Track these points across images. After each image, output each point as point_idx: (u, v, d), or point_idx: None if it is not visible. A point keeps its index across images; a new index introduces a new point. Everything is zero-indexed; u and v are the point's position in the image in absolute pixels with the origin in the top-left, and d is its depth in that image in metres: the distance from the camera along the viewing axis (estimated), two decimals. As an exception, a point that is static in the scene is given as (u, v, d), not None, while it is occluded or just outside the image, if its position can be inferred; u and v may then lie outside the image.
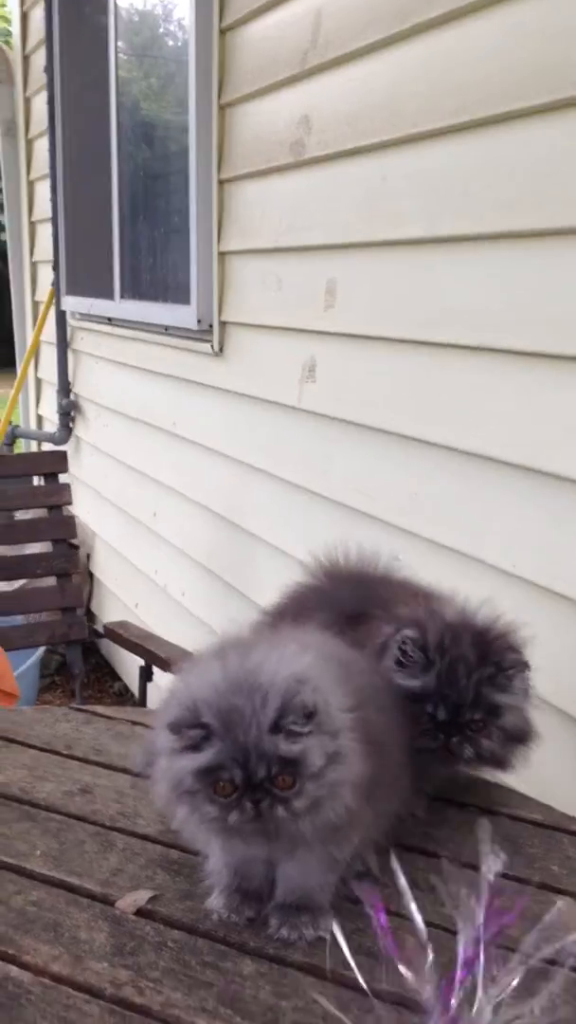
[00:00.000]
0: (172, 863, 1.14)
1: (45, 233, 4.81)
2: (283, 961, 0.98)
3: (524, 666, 1.16)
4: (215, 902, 1.04)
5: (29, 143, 5.18)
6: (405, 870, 0.83)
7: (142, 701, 2.40)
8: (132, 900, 1.07)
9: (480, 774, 1.28)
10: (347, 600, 1.32)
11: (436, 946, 0.79)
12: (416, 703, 1.14)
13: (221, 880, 1.05)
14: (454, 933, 0.79)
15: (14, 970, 0.97)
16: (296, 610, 1.35)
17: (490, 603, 1.24)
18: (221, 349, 2.91)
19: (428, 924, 0.81)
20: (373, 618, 1.25)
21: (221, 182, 2.82)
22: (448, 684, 1.13)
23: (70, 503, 2.68)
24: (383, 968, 0.79)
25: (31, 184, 5.21)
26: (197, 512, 3.21)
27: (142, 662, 2.35)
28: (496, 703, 1.14)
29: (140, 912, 1.06)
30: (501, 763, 1.19)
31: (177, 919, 1.04)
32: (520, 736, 1.17)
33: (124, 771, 1.37)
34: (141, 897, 1.07)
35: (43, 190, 4.77)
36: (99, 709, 1.59)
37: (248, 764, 0.91)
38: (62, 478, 2.78)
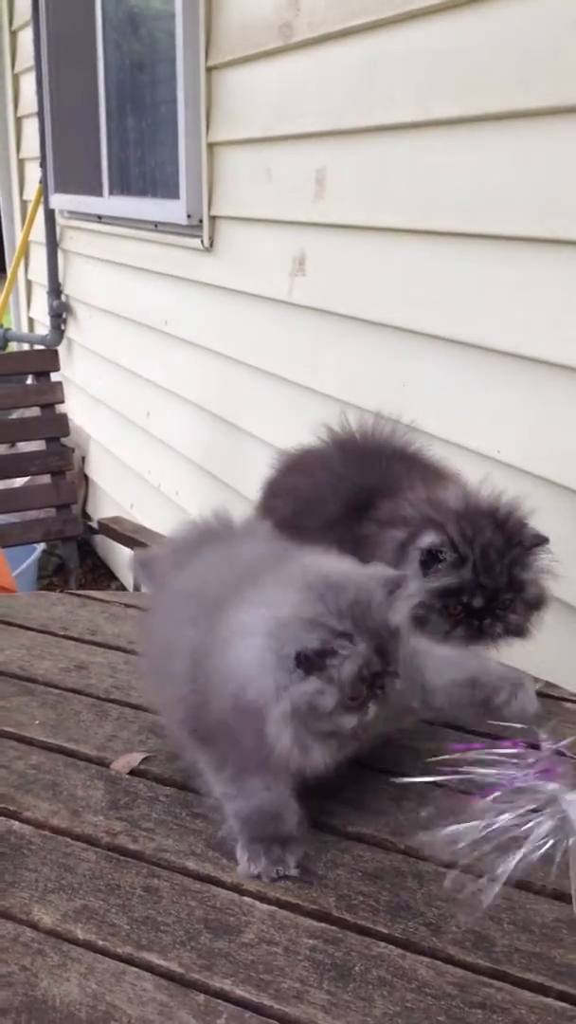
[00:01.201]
0: (163, 729, 1.19)
1: (32, 129, 4.70)
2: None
3: (544, 540, 1.19)
4: (253, 867, 0.94)
5: (13, 35, 5.02)
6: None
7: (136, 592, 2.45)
8: (126, 761, 1.12)
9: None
10: (358, 488, 1.29)
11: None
12: (452, 596, 1.16)
13: (246, 832, 0.96)
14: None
15: (16, 824, 1.02)
16: (306, 496, 1.33)
17: (488, 482, 1.25)
18: (211, 244, 2.88)
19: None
20: (378, 517, 1.24)
21: (209, 69, 2.75)
22: (485, 573, 1.15)
23: (62, 401, 2.69)
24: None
25: (16, 78, 5.07)
26: (190, 411, 3.22)
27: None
28: (523, 580, 1.17)
29: (134, 772, 1.11)
30: (522, 633, 1.22)
31: (168, 777, 1.10)
32: (539, 604, 1.21)
33: (118, 649, 1.42)
34: (135, 758, 1.13)
35: (28, 84, 4.65)
36: (93, 593, 1.64)
37: (383, 648, 0.92)
38: (53, 377, 2.78)
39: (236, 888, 0.93)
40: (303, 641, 0.89)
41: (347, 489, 1.29)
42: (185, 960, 0.84)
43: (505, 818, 0.93)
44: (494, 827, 0.93)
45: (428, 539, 1.16)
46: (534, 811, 0.95)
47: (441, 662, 1.10)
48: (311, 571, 0.95)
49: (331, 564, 0.99)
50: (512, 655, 1.33)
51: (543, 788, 0.97)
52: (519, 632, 1.22)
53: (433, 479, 1.31)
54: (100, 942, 0.86)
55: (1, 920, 0.89)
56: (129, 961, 0.84)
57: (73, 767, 1.13)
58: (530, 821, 0.93)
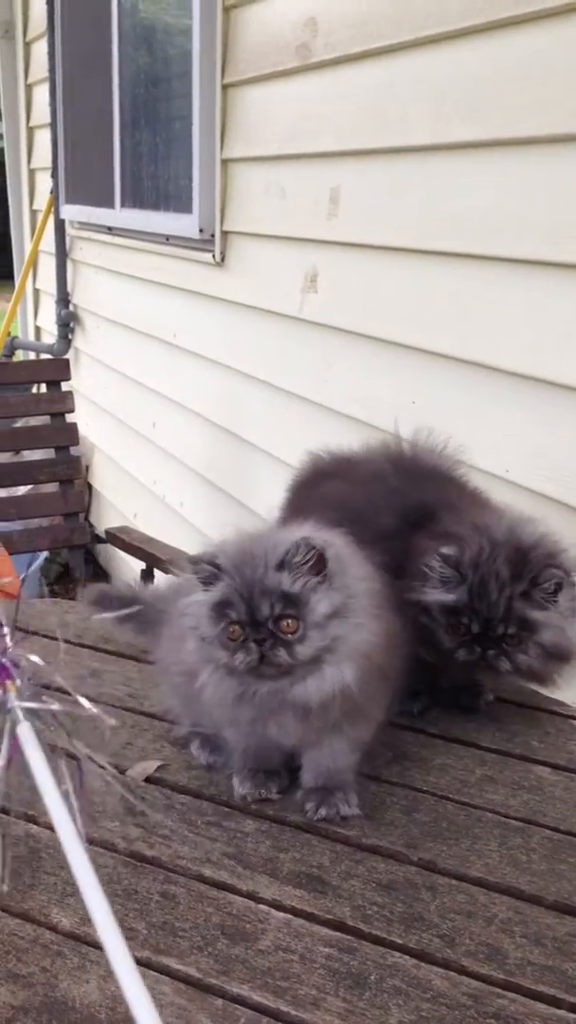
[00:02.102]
0: (178, 738, 1.21)
1: (44, 139, 4.73)
2: (282, 821, 1.05)
3: (561, 583, 1.14)
4: (241, 788, 1.08)
5: (27, 46, 5.06)
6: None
7: (143, 604, 2.46)
8: (142, 769, 1.14)
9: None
10: (414, 503, 1.27)
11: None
12: (453, 615, 1.16)
13: (240, 764, 1.10)
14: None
15: (34, 828, 1.04)
16: (359, 508, 1.30)
17: (540, 520, 1.23)
18: (223, 259, 2.91)
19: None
20: (434, 530, 1.23)
21: (225, 87, 2.78)
22: (479, 598, 1.14)
23: (72, 410, 2.71)
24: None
25: (29, 88, 5.11)
26: (196, 422, 3.24)
27: (141, 568, 2.41)
28: (530, 618, 1.14)
29: (149, 779, 1.13)
30: (540, 678, 1.19)
31: (183, 785, 1.11)
32: (559, 653, 1.16)
33: (131, 658, 1.43)
34: (150, 766, 1.14)
35: (42, 94, 4.69)
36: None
37: (252, 599, 0.96)
38: (63, 386, 2.80)
39: (252, 896, 0.94)
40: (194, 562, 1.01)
41: (402, 504, 1.28)
42: (203, 965, 0.85)
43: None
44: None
45: (441, 550, 1.17)
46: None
47: None
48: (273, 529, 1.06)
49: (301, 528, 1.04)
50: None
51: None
52: (534, 677, 1.19)
53: (482, 504, 1.31)
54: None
55: (21, 922, 0.90)
56: (147, 965, 0.86)
57: (89, 773, 1.14)
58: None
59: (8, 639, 0.72)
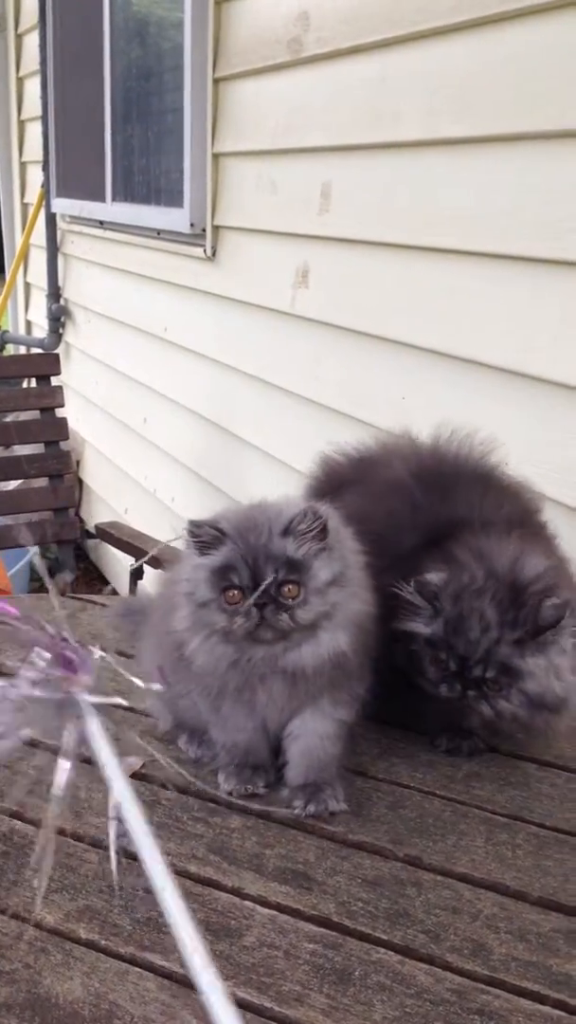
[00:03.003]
0: (165, 734, 1.21)
1: (35, 132, 4.71)
2: (268, 817, 1.05)
3: (554, 633, 1.04)
4: (227, 784, 1.08)
5: (19, 38, 5.04)
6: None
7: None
8: (127, 764, 1.13)
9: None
10: (436, 521, 1.18)
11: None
12: (432, 648, 1.09)
13: (227, 760, 1.11)
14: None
15: (19, 824, 1.04)
16: (378, 530, 1.16)
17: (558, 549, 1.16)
18: (214, 253, 2.90)
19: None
20: (443, 553, 1.13)
21: (216, 81, 2.77)
22: (455, 635, 1.06)
23: (62, 405, 2.69)
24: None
25: (20, 81, 5.09)
26: (187, 418, 3.23)
27: (132, 561, 2.40)
28: (513, 666, 1.04)
29: (135, 775, 1.12)
30: (527, 728, 1.11)
31: (169, 781, 1.11)
32: (548, 704, 1.06)
33: (119, 654, 1.43)
34: (136, 762, 1.14)
35: (33, 87, 4.67)
36: (94, 597, 1.65)
37: (256, 564, 0.96)
38: (53, 381, 2.79)
39: (237, 892, 0.94)
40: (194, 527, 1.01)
41: (426, 522, 1.18)
42: (187, 962, 0.85)
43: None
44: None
45: (420, 578, 1.09)
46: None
47: None
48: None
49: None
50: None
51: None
52: (520, 727, 1.10)
53: (511, 505, 1.21)
54: (103, 942, 0.87)
55: (4, 918, 0.90)
56: (131, 961, 0.86)
57: (75, 769, 1.14)
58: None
59: (67, 633, 0.72)
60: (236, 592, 0.97)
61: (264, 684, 1.02)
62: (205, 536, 0.99)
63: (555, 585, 1.07)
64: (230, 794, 1.08)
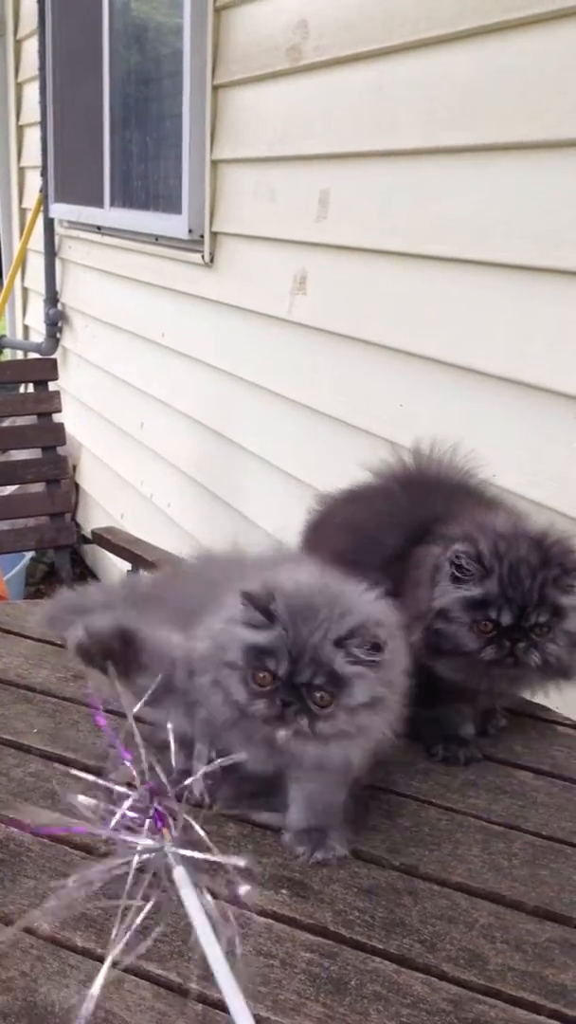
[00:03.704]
0: (162, 741, 1.20)
1: (33, 137, 4.72)
2: (264, 825, 1.05)
3: None
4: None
5: (18, 43, 5.05)
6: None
7: (129, 605, 2.46)
8: (124, 773, 1.13)
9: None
10: (419, 520, 1.23)
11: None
12: (480, 610, 1.11)
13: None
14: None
15: (15, 831, 1.03)
16: (364, 529, 1.28)
17: (542, 515, 1.23)
18: (212, 259, 2.91)
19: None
20: (428, 541, 1.19)
21: (215, 88, 2.78)
22: (512, 586, 1.10)
23: (59, 410, 2.70)
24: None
25: (19, 86, 5.10)
26: (184, 423, 3.23)
27: (127, 569, 2.41)
28: (561, 604, 1.10)
29: (130, 785, 1.12)
30: (566, 671, 1.14)
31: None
32: None
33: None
34: (131, 771, 1.13)
35: (32, 93, 4.67)
36: (90, 604, 1.65)
37: (299, 661, 0.91)
38: (51, 386, 2.80)
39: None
40: (250, 587, 0.95)
41: (407, 521, 1.24)
42: (183, 970, 0.85)
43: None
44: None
45: (454, 549, 1.13)
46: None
47: None
48: (335, 576, 0.99)
49: (366, 592, 0.98)
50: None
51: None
52: (563, 671, 1.13)
53: (492, 509, 1.26)
54: (99, 950, 0.87)
55: (0, 926, 0.90)
56: (126, 970, 0.85)
57: (71, 777, 1.14)
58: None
59: (167, 787, 0.78)
60: (267, 676, 0.92)
61: (269, 753, 0.96)
62: (253, 616, 0.93)
63: (564, 532, 1.15)
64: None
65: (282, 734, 0.92)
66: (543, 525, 1.16)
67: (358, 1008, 0.82)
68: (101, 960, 0.86)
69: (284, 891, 0.95)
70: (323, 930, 0.91)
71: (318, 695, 0.91)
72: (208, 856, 0.76)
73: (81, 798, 0.79)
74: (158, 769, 0.82)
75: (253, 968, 0.85)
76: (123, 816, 0.80)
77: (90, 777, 0.81)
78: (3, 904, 0.92)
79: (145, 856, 0.78)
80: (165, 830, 0.76)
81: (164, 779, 0.82)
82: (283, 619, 0.93)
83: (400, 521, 1.24)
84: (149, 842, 0.79)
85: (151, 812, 0.80)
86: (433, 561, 1.15)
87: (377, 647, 0.92)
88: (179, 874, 0.76)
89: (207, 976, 0.84)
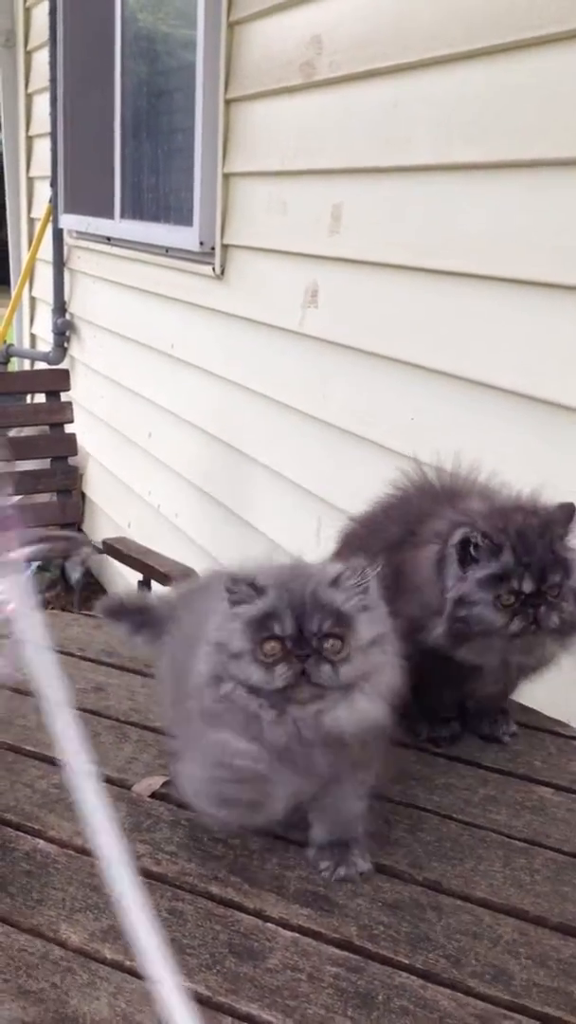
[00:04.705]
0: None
1: (43, 148, 4.74)
2: (287, 838, 1.06)
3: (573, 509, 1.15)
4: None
5: (28, 55, 5.07)
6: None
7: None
8: (147, 784, 1.14)
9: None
10: (419, 512, 1.28)
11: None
12: (502, 583, 1.12)
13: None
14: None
15: (41, 843, 1.04)
16: (375, 519, 1.35)
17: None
18: (223, 272, 2.92)
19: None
20: (415, 541, 1.23)
21: (228, 101, 2.80)
22: (527, 553, 1.12)
23: (71, 421, 2.71)
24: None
25: (29, 97, 5.12)
26: (193, 434, 3.24)
27: (135, 580, 2.41)
28: (568, 559, 1.14)
29: (155, 795, 1.13)
30: (574, 628, 1.16)
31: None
32: None
33: (135, 672, 1.44)
34: (156, 782, 1.15)
35: (42, 103, 4.70)
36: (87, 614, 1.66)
37: (303, 612, 0.91)
38: (62, 396, 2.81)
39: (259, 914, 0.95)
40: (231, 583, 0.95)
41: (410, 513, 1.28)
42: (212, 983, 0.86)
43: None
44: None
45: (459, 534, 1.14)
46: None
47: None
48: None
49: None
50: (528, 695, 1.37)
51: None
52: (573, 628, 1.15)
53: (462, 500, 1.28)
54: (127, 962, 0.88)
55: (30, 937, 0.91)
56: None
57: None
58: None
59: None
60: (276, 643, 0.91)
61: (305, 747, 0.93)
62: (242, 592, 0.94)
63: (538, 496, 1.21)
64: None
65: (305, 692, 0.91)
66: (515, 496, 1.22)
67: (386, 1023, 0.82)
68: (131, 972, 0.87)
69: (309, 905, 0.96)
70: (349, 944, 0.92)
71: (329, 643, 0.91)
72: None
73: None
74: None
75: (281, 982, 0.86)
76: None
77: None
78: (31, 916, 0.93)
79: None
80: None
81: None
82: (272, 585, 0.94)
83: (403, 512, 1.30)
84: None
85: None
86: (434, 557, 1.17)
87: (367, 577, 0.94)
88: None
89: (236, 990, 0.85)
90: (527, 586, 1.12)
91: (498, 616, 1.12)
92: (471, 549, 1.13)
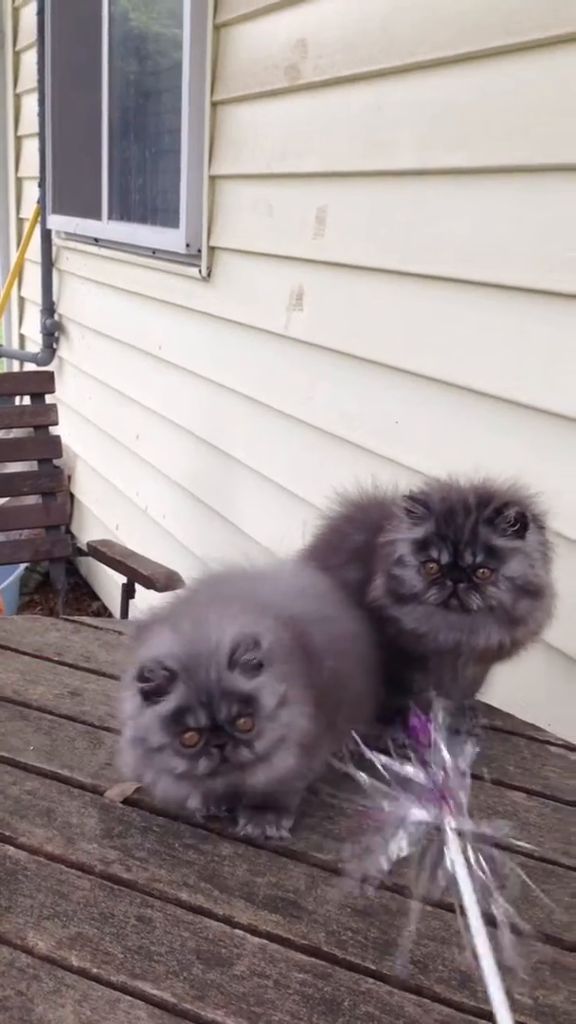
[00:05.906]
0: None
1: (32, 148, 4.74)
2: (259, 844, 1.06)
3: (525, 518, 1.17)
4: (193, 802, 1.06)
5: (17, 55, 5.07)
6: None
7: (124, 618, 2.46)
8: (120, 790, 1.14)
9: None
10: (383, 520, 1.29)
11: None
12: (422, 551, 1.17)
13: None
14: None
15: (11, 850, 1.04)
16: (340, 525, 1.36)
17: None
18: (209, 274, 2.92)
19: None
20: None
21: (214, 104, 2.80)
22: (446, 525, 1.16)
23: (56, 423, 2.71)
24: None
25: (18, 97, 5.12)
26: (180, 435, 3.25)
27: (123, 581, 2.41)
28: (496, 546, 1.15)
29: (127, 801, 1.13)
30: (514, 618, 1.17)
31: (161, 807, 1.12)
32: (529, 588, 1.17)
33: (112, 676, 1.44)
34: (128, 787, 1.14)
35: (30, 104, 4.70)
36: (87, 619, 1.66)
37: (212, 704, 0.96)
38: (48, 399, 2.80)
39: (228, 920, 0.95)
40: (136, 668, 0.99)
41: (375, 518, 1.29)
42: (178, 990, 0.86)
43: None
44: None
45: (407, 493, 1.21)
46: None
47: None
48: (200, 621, 1.03)
49: (225, 618, 1.02)
50: (503, 697, 1.37)
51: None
52: (510, 617, 1.17)
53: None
54: (94, 970, 0.88)
55: (-3, 945, 0.91)
56: (123, 989, 0.86)
57: (67, 794, 1.15)
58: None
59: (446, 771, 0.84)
60: (193, 734, 0.96)
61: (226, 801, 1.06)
62: (157, 680, 0.97)
63: (523, 489, 1.25)
64: (194, 812, 1.09)
65: (227, 772, 0.98)
66: (504, 482, 1.23)
67: (351, 1029, 0.82)
68: (96, 979, 0.87)
69: (278, 911, 0.96)
70: (317, 950, 0.92)
71: (241, 721, 0.97)
72: (477, 828, 0.81)
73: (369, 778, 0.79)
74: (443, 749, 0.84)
75: (247, 988, 0.86)
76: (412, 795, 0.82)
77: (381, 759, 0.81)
78: (-1, 923, 0.93)
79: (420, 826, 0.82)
80: (445, 806, 0.81)
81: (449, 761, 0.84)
82: (180, 675, 0.97)
83: (364, 521, 1.32)
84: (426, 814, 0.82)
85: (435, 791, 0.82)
86: (387, 537, 1.22)
87: (258, 647, 0.99)
88: (454, 847, 0.81)
89: (202, 996, 0.85)
90: (443, 557, 1.16)
91: (419, 581, 1.17)
92: (408, 510, 1.19)
